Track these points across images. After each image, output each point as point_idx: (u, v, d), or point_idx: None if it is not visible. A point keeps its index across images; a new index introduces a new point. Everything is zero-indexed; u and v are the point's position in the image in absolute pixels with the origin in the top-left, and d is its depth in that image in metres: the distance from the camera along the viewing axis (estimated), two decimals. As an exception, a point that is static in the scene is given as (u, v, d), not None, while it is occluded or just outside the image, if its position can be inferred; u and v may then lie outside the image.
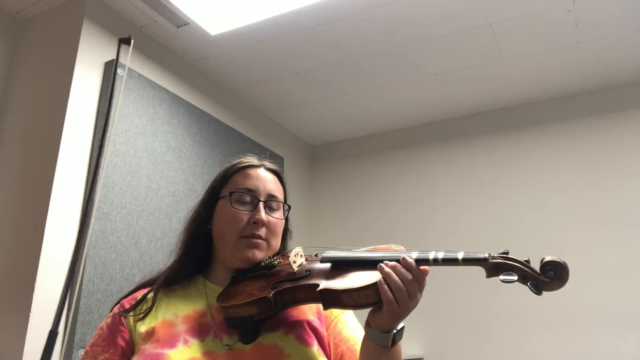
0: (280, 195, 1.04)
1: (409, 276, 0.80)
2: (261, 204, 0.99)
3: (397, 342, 0.84)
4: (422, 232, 2.98)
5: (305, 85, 2.77)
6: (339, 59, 2.53)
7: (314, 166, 3.50)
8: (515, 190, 2.83)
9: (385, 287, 0.79)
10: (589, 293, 2.48)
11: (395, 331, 0.83)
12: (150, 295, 0.98)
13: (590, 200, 2.64)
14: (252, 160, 1.05)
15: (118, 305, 0.98)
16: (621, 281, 2.45)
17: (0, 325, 1.74)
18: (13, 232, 1.88)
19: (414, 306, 0.81)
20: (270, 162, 1.07)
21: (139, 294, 0.99)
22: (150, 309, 0.94)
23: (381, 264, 0.81)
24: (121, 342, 0.92)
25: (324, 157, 3.50)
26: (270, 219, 0.99)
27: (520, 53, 2.50)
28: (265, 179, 1.02)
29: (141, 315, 0.93)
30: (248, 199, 0.99)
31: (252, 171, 1.03)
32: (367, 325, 0.85)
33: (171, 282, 0.99)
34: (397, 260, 0.83)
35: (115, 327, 0.94)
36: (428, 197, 3.05)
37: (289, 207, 1.06)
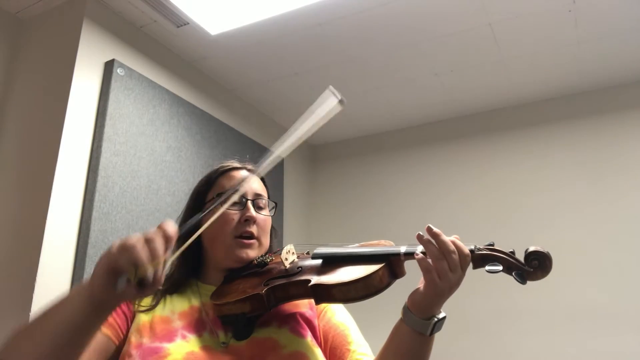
0: (265, 194, 1.08)
1: (451, 247, 0.81)
2: (250, 203, 1.02)
3: (436, 331, 0.84)
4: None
5: (305, 85, 2.77)
6: (339, 59, 2.54)
7: (314, 166, 3.50)
8: (515, 190, 2.82)
9: (425, 256, 0.81)
10: (589, 293, 2.48)
11: (436, 319, 0.83)
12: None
13: (590, 200, 2.64)
14: (234, 163, 1.10)
15: None
16: (621, 281, 2.44)
17: (0, 326, 1.74)
18: (13, 232, 1.88)
19: (457, 283, 0.81)
20: (251, 163, 1.11)
21: None
22: (152, 308, 0.96)
23: (420, 233, 0.83)
24: (126, 311, 0.94)
25: (324, 157, 3.50)
26: (260, 216, 1.03)
27: (520, 53, 2.49)
28: (249, 180, 1.05)
29: (143, 309, 0.95)
30: (236, 199, 1.01)
31: (236, 173, 1.07)
32: (407, 310, 0.85)
33: (170, 292, 1.01)
34: (392, 254, 0.84)
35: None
36: (428, 197, 3.05)
37: (275, 204, 1.09)
